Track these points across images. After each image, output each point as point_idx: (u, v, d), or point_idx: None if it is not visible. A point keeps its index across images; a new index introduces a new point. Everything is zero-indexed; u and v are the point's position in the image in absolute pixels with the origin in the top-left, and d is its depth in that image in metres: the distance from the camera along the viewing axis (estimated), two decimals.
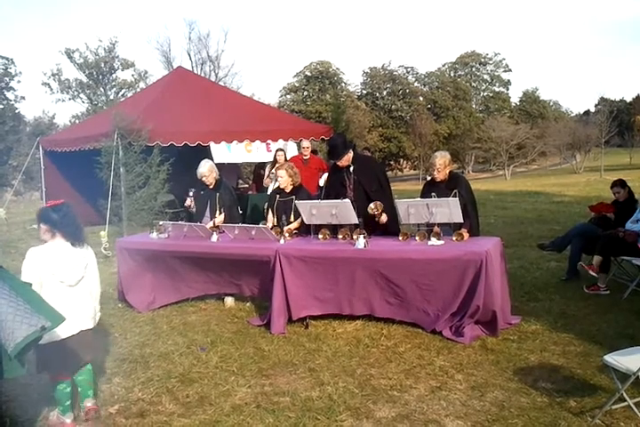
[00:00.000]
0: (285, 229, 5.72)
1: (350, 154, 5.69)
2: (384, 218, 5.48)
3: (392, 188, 6.12)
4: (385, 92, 56.69)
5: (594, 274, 6.05)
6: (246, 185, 11.73)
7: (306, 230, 5.81)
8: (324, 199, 5.65)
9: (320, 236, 5.51)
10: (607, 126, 43.10)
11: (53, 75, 34.57)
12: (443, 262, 4.87)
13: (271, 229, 5.80)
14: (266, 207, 6.73)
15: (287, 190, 6.19)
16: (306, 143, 9.78)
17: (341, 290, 5.19)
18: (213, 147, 10.39)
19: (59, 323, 3.08)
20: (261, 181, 10.14)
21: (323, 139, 11.61)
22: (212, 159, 8.44)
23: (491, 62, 64.01)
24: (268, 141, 11.02)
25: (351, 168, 5.72)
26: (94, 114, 27.10)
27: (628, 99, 68.98)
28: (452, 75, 63.02)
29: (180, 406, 3.84)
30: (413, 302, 5.01)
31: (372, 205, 5.35)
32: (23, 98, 31.28)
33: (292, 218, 6.06)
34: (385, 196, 5.67)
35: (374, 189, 5.66)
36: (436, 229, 5.15)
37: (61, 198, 3.87)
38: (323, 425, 3.51)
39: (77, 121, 32.16)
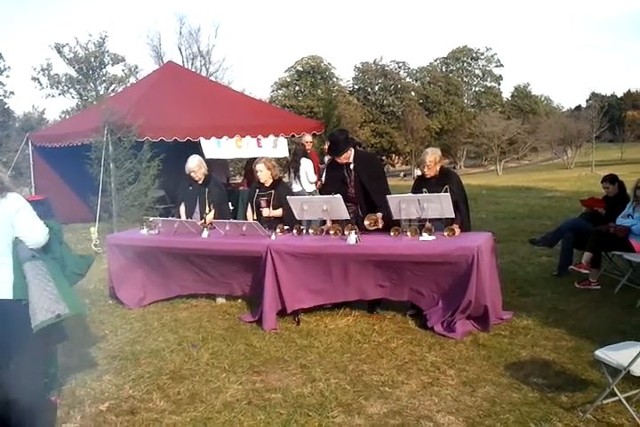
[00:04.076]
0: (278, 227, 5.66)
1: (351, 151, 5.54)
2: (381, 224, 5.42)
3: None
4: (377, 88, 56.78)
5: (585, 271, 6.06)
6: (238, 180, 11.68)
7: (290, 222, 5.75)
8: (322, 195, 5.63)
9: (311, 231, 5.48)
10: (598, 121, 43.26)
11: (43, 69, 34.16)
12: (434, 258, 4.86)
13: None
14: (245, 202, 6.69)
15: (267, 184, 6.14)
16: (308, 137, 10.09)
17: (334, 282, 5.19)
18: (204, 142, 10.31)
19: (77, 312, 3.24)
20: (252, 176, 10.10)
21: (314, 134, 11.57)
22: (202, 155, 8.39)
23: (482, 57, 64.21)
24: (259, 137, 10.93)
25: (351, 165, 5.58)
26: (84, 109, 26.89)
27: (619, 94, 69.57)
28: (443, 70, 63.16)
29: (170, 403, 3.81)
30: (407, 284, 5.04)
31: (367, 222, 5.29)
32: (12, 93, 30.74)
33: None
34: (384, 194, 5.63)
35: (374, 187, 5.55)
36: (428, 224, 5.14)
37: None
38: (314, 422, 3.49)
39: (67, 116, 31.89)
